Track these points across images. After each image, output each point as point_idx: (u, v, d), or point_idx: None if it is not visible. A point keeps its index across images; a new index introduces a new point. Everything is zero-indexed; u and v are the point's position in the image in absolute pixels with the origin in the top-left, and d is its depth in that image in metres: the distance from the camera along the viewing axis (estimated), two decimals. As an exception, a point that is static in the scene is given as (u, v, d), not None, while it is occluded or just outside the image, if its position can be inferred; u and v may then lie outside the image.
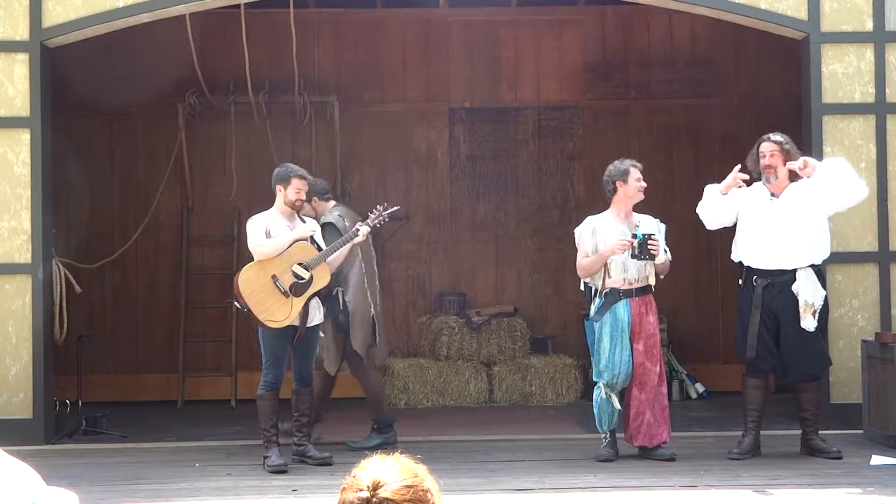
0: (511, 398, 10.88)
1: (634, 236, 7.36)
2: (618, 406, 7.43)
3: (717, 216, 7.68)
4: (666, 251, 7.54)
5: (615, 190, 7.56)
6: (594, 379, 7.58)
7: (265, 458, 7.34)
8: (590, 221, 7.63)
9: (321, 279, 7.42)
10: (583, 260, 7.54)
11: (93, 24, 8.74)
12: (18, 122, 8.60)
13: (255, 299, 7.26)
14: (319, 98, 11.60)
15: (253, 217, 7.55)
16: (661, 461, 7.36)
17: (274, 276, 7.31)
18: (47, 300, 8.57)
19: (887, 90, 8.64)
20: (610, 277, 7.44)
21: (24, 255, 8.55)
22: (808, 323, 7.39)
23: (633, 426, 7.44)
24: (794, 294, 7.38)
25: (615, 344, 7.39)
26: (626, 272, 7.43)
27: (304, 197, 7.55)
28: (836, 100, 8.65)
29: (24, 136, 8.58)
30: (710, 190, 7.65)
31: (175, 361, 11.27)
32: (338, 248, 7.50)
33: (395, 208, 7.83)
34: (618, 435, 7.56)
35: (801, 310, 7.37)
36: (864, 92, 8.65)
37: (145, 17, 8.91)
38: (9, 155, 8.59)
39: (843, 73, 8.66)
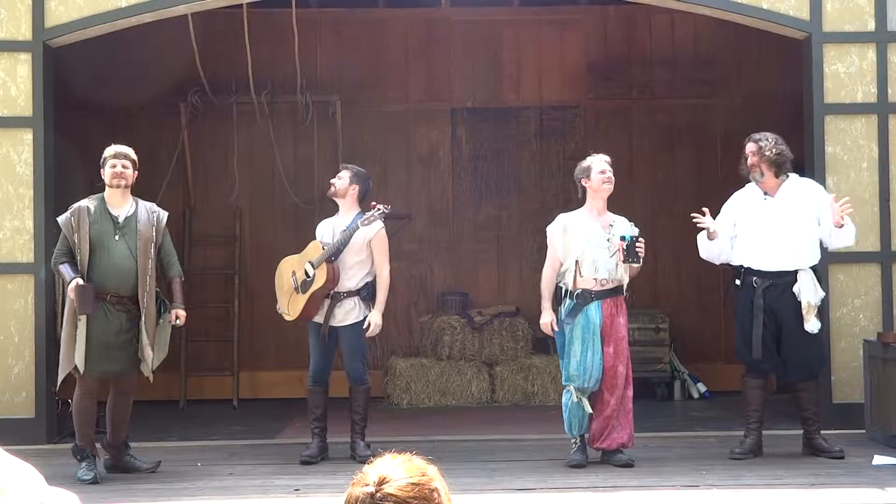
0: (513, 398, 10.87)
1: (623, 238, 7.15)
2: (589, 410, 7.22)
3: (722, 249, 7.57)
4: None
5: (585, 189, 7.39)
6: (564, 383, 7.36)
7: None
8: (561, 219, 7.41)
9: (319, 278, 7.58)
10: (546, 269, 7.39)
11: (95, 23, 8.75)
12: (21, 122, 8.61)
13: (278, 290, 7.88)
14: (321, 98, 11.60)
15: None
16: (619, 467, 7.16)
17: (293, 272, 7.74)
18: (49, 300, 8.57)
19: (889, 90, 8.63)
20: (581, 277, 7.23)
21: (26, 255, 8.57)
22: (812, 325, 7.35)
23: (598, 429, 7.26)
24: (795, 295, 7.37)
25: (587, 347, 7.17)
26: (597, 273, 7.20)
27: (337, 185, 7.78)
28: (838, 100, 8.64)
29: (27, 136, 8.60)
30: (702, 238, 7.54)
31: (177, 361, 11.26)
32: (334, 249, 7.60)
33: (385, 209, 7.60)
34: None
35: (804, 311, 7.35)
36: (866, 92, 8.65)
37: (147, 17, 8.92)
38: (11, 154, 8.60)
39: (845, 73, 8.66)
